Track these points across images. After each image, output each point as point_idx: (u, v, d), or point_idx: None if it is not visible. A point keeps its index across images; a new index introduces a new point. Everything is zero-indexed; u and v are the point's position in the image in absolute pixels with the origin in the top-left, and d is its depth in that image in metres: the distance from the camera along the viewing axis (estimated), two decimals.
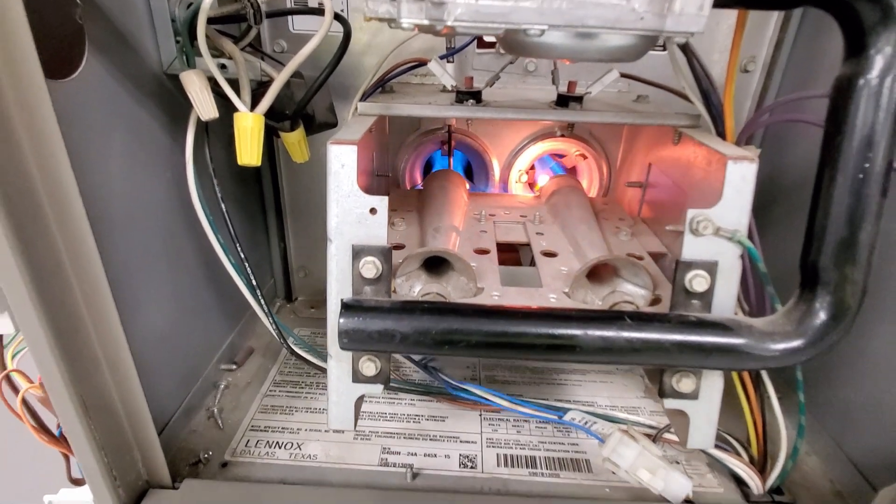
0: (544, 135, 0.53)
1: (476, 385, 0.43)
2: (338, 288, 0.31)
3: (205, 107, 0.34)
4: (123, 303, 0.31)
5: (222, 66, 0.37)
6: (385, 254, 0.30)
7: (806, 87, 0.45)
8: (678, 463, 0.41)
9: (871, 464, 0.37)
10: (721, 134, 0.34)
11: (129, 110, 0.36)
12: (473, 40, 0.46)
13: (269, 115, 0.36)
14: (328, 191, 0.30)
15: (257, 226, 0.58)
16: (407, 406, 0.46)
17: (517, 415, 0.45)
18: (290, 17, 0.48)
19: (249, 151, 0.35)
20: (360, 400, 0.33)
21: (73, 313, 0.28)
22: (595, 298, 0.34)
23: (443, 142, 0.53)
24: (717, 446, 0.39)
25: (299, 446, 0.42)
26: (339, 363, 0.32)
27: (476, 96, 0.39)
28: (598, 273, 0.36)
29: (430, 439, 0.43)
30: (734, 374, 0.37)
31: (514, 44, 0.25)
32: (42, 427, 0.32)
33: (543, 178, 0.56)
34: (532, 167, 0.56)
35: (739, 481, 0.39)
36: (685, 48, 0.33)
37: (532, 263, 0.41)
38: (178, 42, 0.38)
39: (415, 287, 0.34)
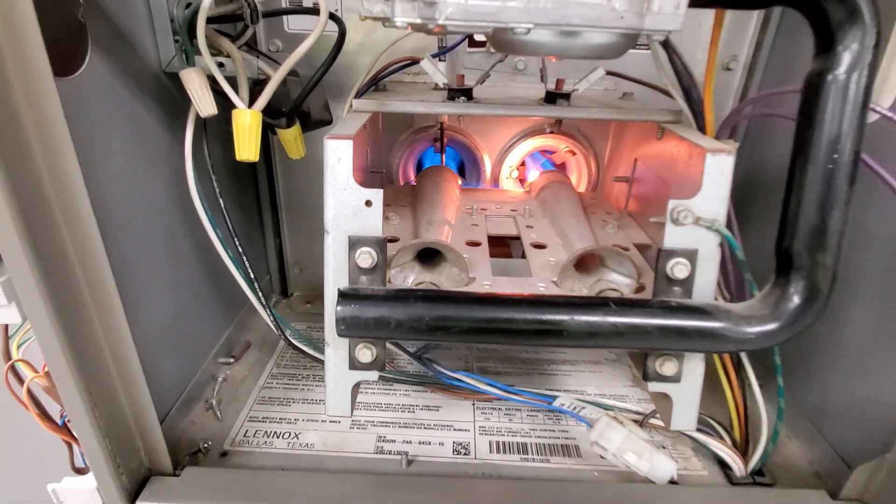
0: (534, 132, 0.54)
1: (469, 374, 0.44)
2: (335, 278, 0.32)
3: (204, 104, 0.35)
4: (124, 296, 0.32)
5: (220, 65, 0.38)
6: (380, 244, 0.31)
7: (784, 84, 0.47)
8: (664, 448, 0.42)
9: (847, 444, 0.38)
10: (701, 128, 0.35)
11: (129, 107, 0.37)
12: (464, 39, 0.47)
13: (266, 112, 0.37)
14: (325, 184, 0.31)
15: (253, 222, 0.59)
16: (402, 396, 0.47)
17: (509, 404, 0.46)
18: (284, 17, 0.49)
19: (248, 147, 0.36)
20: (357, 387, 0.34)
21: (79, 303, 0.29)
22: (582, 287, 0.36)
23: (435, 139, 0.55)
24: (701, 430, 0.41)
25: (297, 436, 0.43)
26: (336, 351, 0.33)
27: (467, 93, 0.40)
28: (585, 263, 0.37)
29: (425, 428, 0.44)
30: (717, 361, 0.39)
31: (502, 42, 0.26)
32: (46, 416, 0.33)
33: (534, 174, 0.57)
34: (522, 163, 0.57)
35: (723, 464, 0.40)
36: (667, 46, 0.34)
37: (522, 255, 0.42)
38: (176, 41, 0.39)
39: (409, 277, 0.35)
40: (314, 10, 0.43)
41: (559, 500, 0.36)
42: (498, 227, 0.44)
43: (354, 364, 0.33)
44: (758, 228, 0.42)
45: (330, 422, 0.44)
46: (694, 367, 0.33)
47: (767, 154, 0.49)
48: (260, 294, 0.43)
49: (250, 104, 0.36)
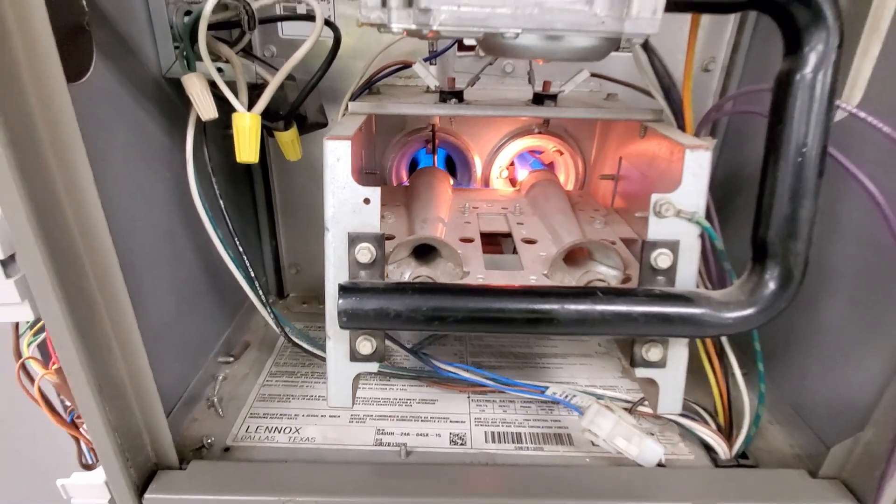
0: (522, 132, 0.56)
1: (465, 366, 0.45)
2: (335, 273, 0.33)
3: (206, 108, 0.36)
4: (130, 295, 0.33)
5: (219, 70, 0.40)
6: (379, 240, 0.32)
7: (761, 83, 0.49)
8: (653, 434, 0.44)
9: (824, 426, 0.40)
10: (682, 127, 0.37)
11: (131, 112, 0.38)
12: (454, 44, 0.49)
13: (265, 115, 0.39)
14: (325, 183, 0.32)
15: (249, 224, 0.60)
16: (399, 391, 0.49)
17: (503, 396, 0.48)
18: (279, 24, 0.50)
19: (248, 149, 0.37)
20: (358, 378, 0.36)
21: (90, 301, 0.30)
22: (571, 279, 0.37)
23: (427, 140, 0.56)
24: (687, 416, 0.43)
25: (297, 430, 0.44)
26: (337, 344, 0.34)
27: (458, 96, 0.42)
28: (574, 256, 0.39)
29: (422, 420, 0.45)
30: (700, 349, 0.41)
31: (492, 46, 0.28)
32: (55, 413, 0.34)
33: (523, 174, 0.59)
34: (512, 163, 0.59)
35: (708, 448, 0.42)
36: (647, 49, 0.36)
37: (514, 254, 0.44)
38: (176, 47, 0.40)
39: (405, 273, 0.37)
40: (309, 17, 0.45)
41: (552, 484, 0.38)
42: (490, 224, 0.46)
43: (355, 356, 0.34)
44: (741, 221, 0.44)
45: (330, 416, 0.45)
46: (678, 353, 0.34)
47: (747, 151, 0.51)
48: (260, 293, 0.44)
49: (249, 108, 0.38)
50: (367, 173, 0.48)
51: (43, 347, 0.34)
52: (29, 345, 0.32)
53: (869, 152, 0.33)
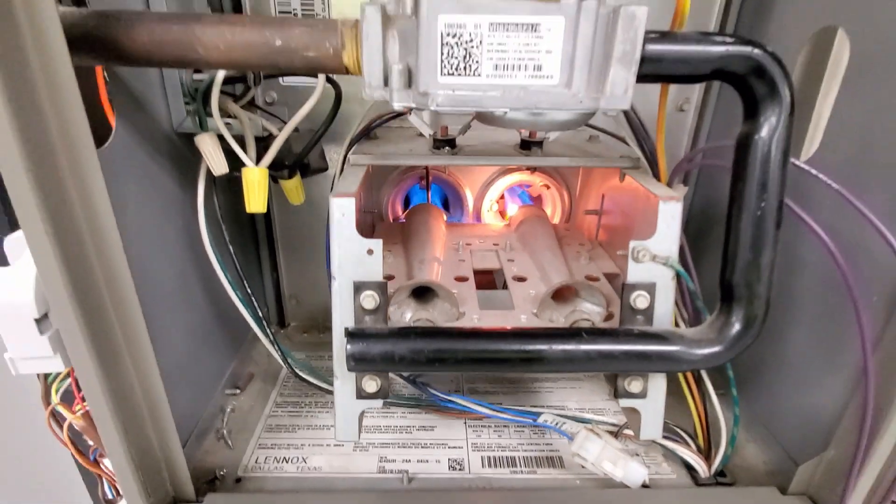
0: (511, 169, 0.59)
1: (461, 396, 0.48)
2: (342, 319, 0.36)
3: (217, 164, 0.39)
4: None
5: (227, 125, 0.43)
6: (382, 288, 0.35)
7: (733, 124, 0.53)
8: (638, 455, 0.47)
9: (793, 443, 0.43)
10: (656, 175, 0.40)
11: (146, 166, 0.41)
12: None
13: (271, 166, 0.42)
14: (331, 236, 0.35)
15: (250, 257, 0.63)
16: (399, 419, 0.51)
17: (498, 421, 0.50)
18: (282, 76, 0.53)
19: (257, 201, 0.40)
20: (363, 414, 0.38)
21: (115, 350, 0.33)
22: (559, 316, 0.40)
23: (421, 178, 0.59)
24: (668, 438, 0.46)
25: (305, 460, 0.46)
26: (344, 383, 0.37)
27: (451, 143, 0.45)
28: (561, 294, 0.42)
29: (422, 447, 0.48)
30: (680, 376, 0.44)
31: (485, 118, 0.31)
32: (81, 453, 0.36)
33: (513, 207, 0.62)
34: (502, 196, 0.62)
35: (689, 467, 0.45)
36: None
37: (505, 285, 0.47)
38: (187, 103, 0.43)
39: (406, 314, 0.40)
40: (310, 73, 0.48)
41: None
42: (482, 261, 0.49)
43: (361, 394, 0.37)
44: (714, 252, 0.47)
45: (335, 445, 0.48)
46: (657, 385, 0.37)
47: (718, 191, 0.55)
48: (269, 331, 0.46)
49: (257, 161, 0.40)
50: (364, 212, 0.50)
51: (67, 392, 0.36)
52: (57, 391, 0.34)
53: (826, 197, 0.36)
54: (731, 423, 0.43)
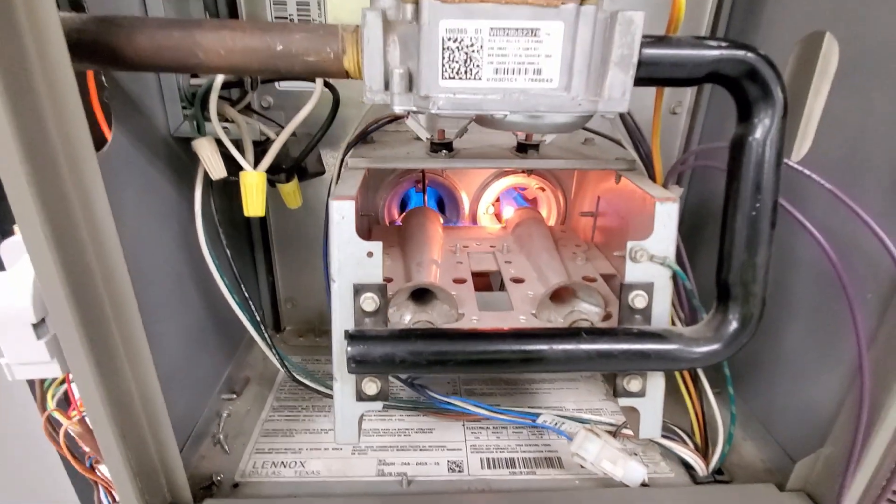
0: (507, 172, 0.60)
1: (459, 398, 0.48)
2: (341, 321, 0.36)
3: (215, 168, 0.39)
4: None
5: (225, 129, 0.42)
6: (382, 290, 0.35)
7: (723, 126, 0.54)
8: (636, 454, 0.47)
9: (790, 441, 0.44)
10: (652, 176, 0.41)
11: (143, 170, 0.40)
12: None
13: (269, 170, 0.42)
14: (330, 239, 0.35)
15: (246, 261, 0.63)
16: (398, 422, 0.51)
17: (496, 422, 0.51)
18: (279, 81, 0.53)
19: (255, 205, 0.40)
20: (363, 417, 0.38)
21: (113, 355, 0.33)
22: (557, 317, 0.41)
23: (417, 181, 0.59)
24: (666, 437, 0.46)
25: (303, 464, 0.46)
26: (344, 385, 0.37)
27: (448, 146, 0.45)
28: (559, 295, 0.42)
29: (421, 449, 0.48)
30: (677, 375, 0.44)
31: (485, 122, 0.31)
32: (78, 460, 0.36)
33: (508, 209, 0.62)
34: (498, 200, 0.63)
35: (687, 466, 0.46)
36: None
37: (502, 286, 0.47)
38: (184, 108, 0.43)
39: (405, 316, 0.40)
40: (308, 77, 0.48)
41: None
42: (480, 263, 0.49)
43: (361, 396, 0.37)
44: (710, 248, 0.48)
45: (333, 449, 0.48)
46: (656, 383, 0.38)
47: (711, 191, 0.55)
48: (266, 336, 0.46)
49: (255, 165, 0.40)
50: (361, 215, 0.50)
51: (62, 398, 0.36)
52: (53, 396, 0.34)
53: (820, 197, 0.37)
54: (727, 422, 0.44)
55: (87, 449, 0.38)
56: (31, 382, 0.35)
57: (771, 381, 0.47)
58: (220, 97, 0.44)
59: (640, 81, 0.31)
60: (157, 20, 0.30)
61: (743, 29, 0.50)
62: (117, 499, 0.36)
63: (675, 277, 0.37)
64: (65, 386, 0.36)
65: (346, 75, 0.30)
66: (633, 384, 0.37)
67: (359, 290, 0.35)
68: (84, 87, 0.35)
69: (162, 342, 0.42)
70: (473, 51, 0.27)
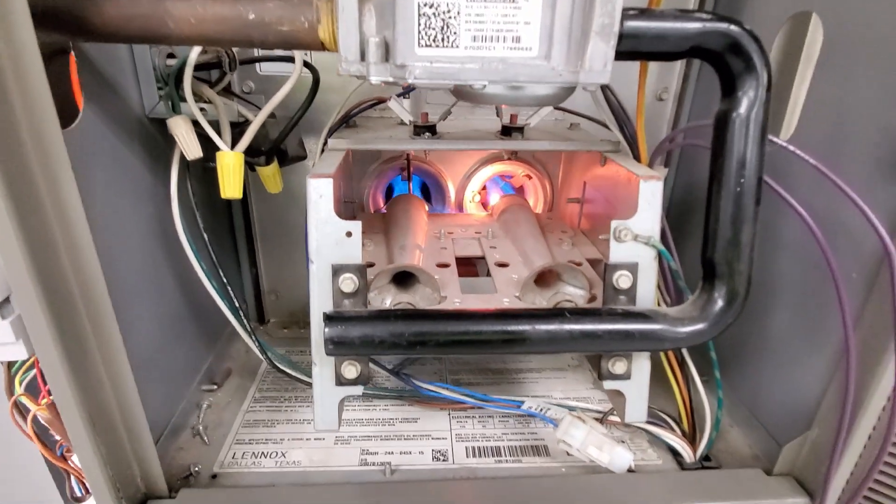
0: (493, 159, 0.59)
1: (444, 385, 0.47)
2: (320, 303, 0.35)
3: (191, 148, 0.38)
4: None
5: (202, 110, 0.41)
6: (361, 270, 0.34)
7: (710, 112, 0.53)
8: (624, 442, 0.47)
9: (778, 426, 0.44)
10: (637, 157, 0.40)
11: (116, 151, 0.39)
12: None
13: (247, 152, 0.41)
14: (308, 218, 0.34)
15: (228, 252, 0.62)
16: (381, 411, 0.50)
17: (483, 411, 0.50)
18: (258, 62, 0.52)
19: (232, 186, 0.39)
20: (343, 402, 0.37)
21: (82, 338, 0.32)
22: (542, 300, 0.40)
23: (402, 169, 0.59)
24: (654, 423, 0.46)
25: (284, 454, 0.45)
26: (322, 369, 0.36)
27: (431, 129, 0.45)
28: (544, 278, 0.41)
29: (405, 439, 0.47)
30: (663, 360, 0.44)
31: (463, 94, 0.30)
32: (47, 447, 0.34)
33: (495, 198, 0.62)
34: (484, 188, 0.62)
35: (675, 453, 0.45)
36: (603, 87, 0.40)
37: (488, 276, 0.46)
38: (160, 89, 0.42)
39: (386, 299, 0.39)
40: (287, 58, 0.47)
41: (531, 494, 0.40)
42: (465, 249, 0.48)
43: (340, 380, 0.36)
44: (697, 237, 0.48)
45: (315, 439, 0.47)
46: (641, 366, 0.37)
47: (698, 174, 0.55)
48: (245, 322, 0.45)
49: (232, 146, 0.39)
50: (345, 202, 0.49)
51: (33, 384, 0.35)
52: (21, 382, 0.33)
53: (804, 176, 0.36)
54: (715, 408, 0.43)
55: (58, 437, 0.36)
56: None
57: (757, 367, 0.47)
58: (200, 79, 0.43)
59: (622, 55, 0.30)
60: None
61: (730, 7, 0.50)
62: (89, 489, 0.35)
63: (660, 260, 0.37)
64: (34, 371, 0.34)
65: (322, 46, 0.30)
66: (618, 366, 0.37)
67: (337, 270, 0.34)
68: (65, 63, 0.34)
69: (135, 327, 0.41)
70: (450, 17, 0.26)
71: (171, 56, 0.42)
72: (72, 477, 0.37)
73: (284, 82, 0.40)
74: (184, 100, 0.38)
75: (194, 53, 0.36)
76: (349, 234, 0.34)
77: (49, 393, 0.34)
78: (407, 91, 0.50)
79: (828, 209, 0.36)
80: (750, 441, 0.46)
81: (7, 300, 0.30)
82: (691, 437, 0.45)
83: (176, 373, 0.48)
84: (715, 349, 0.41)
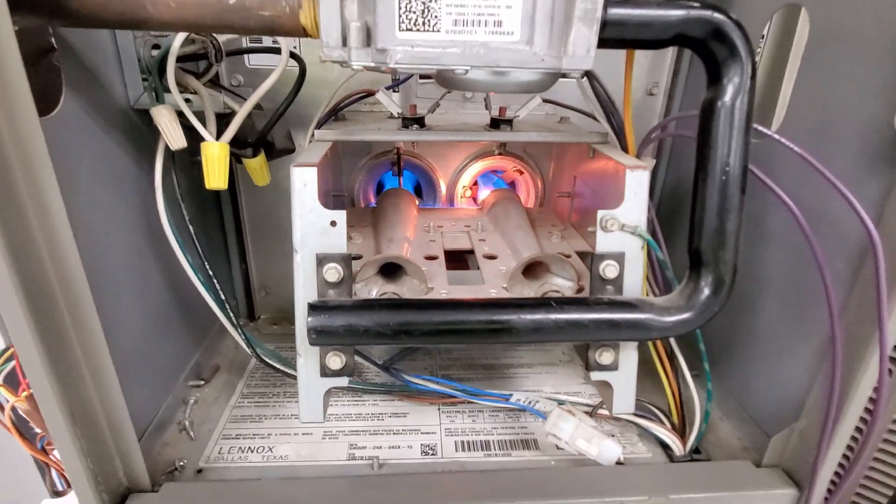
0: (483, 154, 0.59)
1: (433, 378, 0.47)
2: (304, 293, 0.35)
3: (175, 138, 0.38)
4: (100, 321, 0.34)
5: (188, 101, 0.41)
6: (346, 260, 0.34)
7: (698, 107, 0.54)
8: (613, 435, 0.46)
9: (766, 418, 0.43)
10: (624, 148, 0.40)
11: (99, 142, 0.39)
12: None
13: (233, 143, 0.40)
14: (293, 207, 0.34)
15: (217, 248, 0.61)
16: (370, 406, 0.50)
17: (472, 406, 0.50)
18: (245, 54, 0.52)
19: (217, 177, 0.38)
20: (329, 394, 0.37)
21: (61, 328, 0.31)
22: (530, 291, 0.40)
23: (393, 163, 0.58)
24: (643, 416, 0.45)
25: (271, 449, 0.45)
26: (307, 360, 0.36)
27: (420, 122, 0.45)
28: (532, 270, 0.41)
29: (394, 433, 0.47)
30: (653, 353, 0.44)
31: (445, 80, 0.30)
32: (26, 439, 0.34)
33: (486, 193, 0.61)
34: (475, 183, 0.62)
35: (664, 446, 0.45)
36: (591, 78, 0.40)
37: (477, 269, 0.46)
38: (144, 79, 0.41)
39: (373, 290, 0.39)
40: (274, 49, 0.47)
41: (519, 487, 0.40)
42: (454, 242, 0.48)
43: (325, 371, 0.36)
44: (687, 232, 0.47)
45: (303, 434, 0.46)
46: (628, 356, 0.37)
47: (688, 169, 0.55)
48: (231, 315, 0.45)
49: (218, 137, 0.39)
50: (334, 196, 0.49)
51: (12, 375, 0.34)
52: None
53: (791, 167, 0.36)
54: (704, 400, 0.43)
55: (38, 430, 0.36)
56: None
57: (746, 359, 0.46)
58: (186, 70, 0.43)
59: (607, 43, 0.30)
60: None
61: None
62: (70, 483, 0.34)
63: (648, 251, 0.37)
64: (13, 362, 0.34)
65: (303, 32, 0.29)
66: (606, 356, 0.36)
67: (322, 260, 0.34)
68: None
69: (119, 321, 0.40)
70: (431, 0, 0.26)
71: (156, 47, 0.42)
72: (52, 470, 0.36)
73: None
74: (167, 90, 0.38)
75: (177, 42, 0.36)
76: (334, 224, 0.34)
77: (27, 383, 0.33)
78: (396, 83, 0.50)
79: (814, 199, 0.36)
80: (739, 433, 0.46)
81: None
82: (681, 430, 0.45)
83: (162, 368, 0.48)
84: (704, 342, 0.41)
